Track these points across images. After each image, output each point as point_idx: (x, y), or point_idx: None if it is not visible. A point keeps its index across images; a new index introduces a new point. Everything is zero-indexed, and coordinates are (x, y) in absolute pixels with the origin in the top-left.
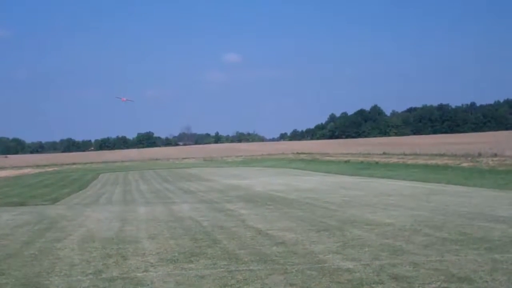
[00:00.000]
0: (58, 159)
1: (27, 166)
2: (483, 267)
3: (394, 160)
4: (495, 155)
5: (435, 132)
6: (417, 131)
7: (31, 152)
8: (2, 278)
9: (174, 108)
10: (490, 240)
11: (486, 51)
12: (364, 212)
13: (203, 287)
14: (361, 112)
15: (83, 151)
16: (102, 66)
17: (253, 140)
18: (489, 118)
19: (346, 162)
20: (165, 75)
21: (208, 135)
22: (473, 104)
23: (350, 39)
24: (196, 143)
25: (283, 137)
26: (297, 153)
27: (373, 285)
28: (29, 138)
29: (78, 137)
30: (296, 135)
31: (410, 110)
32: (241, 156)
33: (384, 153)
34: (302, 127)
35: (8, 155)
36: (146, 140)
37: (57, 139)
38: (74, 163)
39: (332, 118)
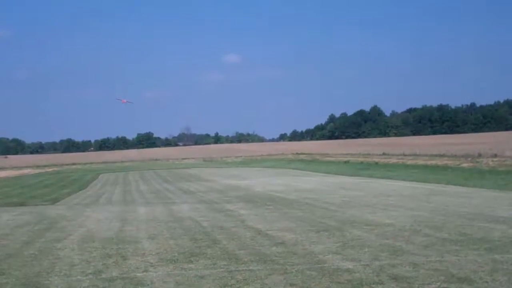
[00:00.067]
0: (58, 159)
1: (27, 167)
2: (483, 267)
3: (393, 160)
4: (495, 155)
5: (435, 132)
6: (417, 132)
7: (31, 153)
8: (2, 278)
9: (173, 108)
10: (490, 241)
11: (486, 51)
12: (363, 212)
13: (202, 287)
14: (360, 112)
15: (83, 151)
16: (102, 66)
17: (252, 141)
18: (489, 119)
19: (346, 162)
20: (164, 76)
21: (207, 135)
22: (473, 104)
23: (350, 40)
24: (196, 143)
25: (282, 137)
26: (297, 153)
27: (373, 286)
28: (29, 138)
29: (78, 138)
30: (296, 136)
31: (410, 110)
32: (241, 156)
33: (383, 154)
34: (301, 128)
35: (8, 156)
36: (146, 141)
37: (57, 140)
38: (74, 164)
39: (332, 118)
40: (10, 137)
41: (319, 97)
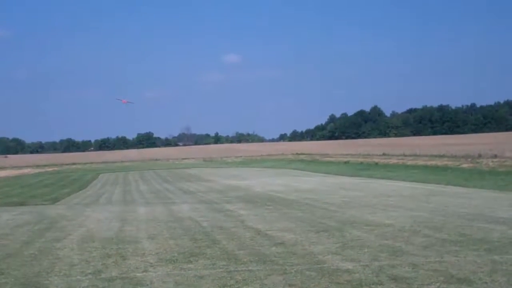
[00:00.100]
0: (58, 159)
1: (27, 166)
2: (483, 268)
3: (394, 161)
4: (495, 156)
5: (435, 133)
6: (417, 132)
7: (31, 152)
8: (1, 277)
9: (174, 108)
10: (489, 241)
11: (486, 51)
12: (363, 213)
13: (202, 287)
14: (361, 113)
15: (83, 151)
16: (102, 66)
17: (252, 141)
18: (489, 119)
19: (346, 163)
20: (164, 76)
21: (207, 135)
22: (473, 105)
23: (350, 40)
24: (196, 143)
25: (282, 137)
26: (297, 153)
27: (372, 286)
28: (29, 138)
29: (78, 137)
30: (296, 136)
31: (410, 111)
32: (241, 156)
33: (384, 154)
34: (302, 128)
35: (8, 155)
36: (146, 141)
37: (57, 139)
38: (74, 163)
39: (332, 118)
40: (10, 137)
41: (319, 97)
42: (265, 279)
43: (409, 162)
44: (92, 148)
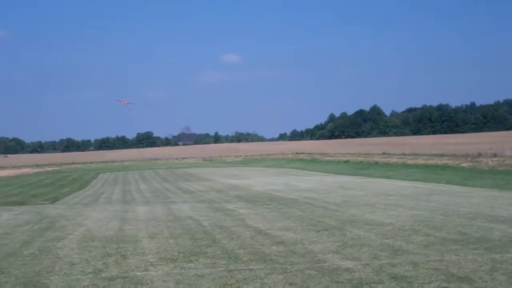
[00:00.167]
0: (57, 158)
1: (26, 166)
2: (483, 267)
3: (393, 160)
4: (495, 155)
5: (434, 132)
6: (416, 131)
7: (31, 152)
8: (2, 277)
9: (173, 108)
10: (489, 240)
11: (486, 51)
12: (363, 212)
13: (202, 287)
14: (360, 112)
15: (83, 150)
16: (102, 66)
17: (252, 140)
18: (488, 118)
19: (346, 162)
20: (164, 75)
21: (207, 135)
22: (472, 104)
23: (349, 39)
24: (196, 143)
25: (282, 137)
26: (297, 153)
27: (373, 285)
28: (28, 138)
29: (78, 137)
30: (296, 135)
31: (409, 110)
32: (241, 156)
33: (383, 153)
34: (301, 127)
35: (8, 155)
36: (146, 140)
37: (57, 139)
38: (73, 163)
39: (332, 118)
40: (10, 137)
41: (318, 97)
42: (266, 278)
43: (409, 161)
44: (91, 148)
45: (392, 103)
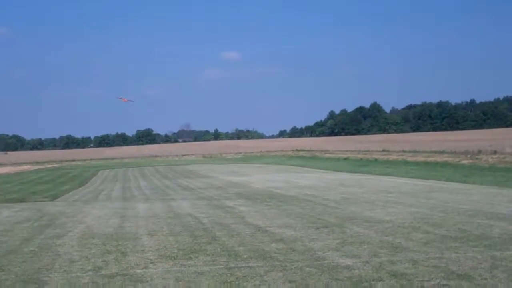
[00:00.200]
0: (57, 156)
1: (26, 163)
2: (483, 264)
3: (393, 157)
4: (495, 152)
5: (434, 129)
6: (416, 128)
7: (31, 149)
8: (1, 274)
9: (173, 105)
10: (489, 237)
11: (486, 48)
12: (363, 209)
13: (202, 284)
14: (360, 109)
15: (83, 148)
16: (102, 63)
17: (252, 137)
18: (488, 115)
19: (346, 159)
20: (164, 72)
21: (207, 132)
22: (472, 101)
23: (349, 36)
24: (196, 140)
25: (282, 134)
26: (296, 150)
27: (372, 282)
28: (28, 135)
29: (78, 134)
30: (296, 132)
31: (409, 107)
32: (240, 153)
33: (383, 150)
34: (301, 124)
35: (8, 152)
36: (146, 137)
37: (57, 136)
38: (73, 160)
39: (332, 115)
40: (10, 134)
41: (318, 94)
42: (265, 276)
43: (409, 158)
44: (91, 145)
45: (392, 100)
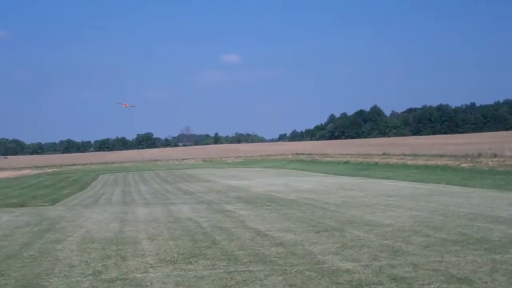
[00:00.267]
0: (57, 160)
1: (26, 167)
2: (483, 267)
3: (393, 160)
4: (495, 155)
5: (434, 132)
6: (416, 132)
7: (31, 153)
8: (1, 279)
9: (173, 109)
10: (489, 241)
11: (486, 51)
12: (363, 212)
13: None
14: (360, 112)
15: (83, 152)
16: (102, 67)
17: (252, 141)
18: (489, 119)
19: (346, 162)
20: (164, 76)
21: (207, 136)
22: (472, 104)
23: (349, 39)
24: (196, 144)
25: (282, 137)
26: (297, 153)
27: (372, 286)
28: (28, 139)
29: (78, 138)
30: (296, 136)
31: (409, 110)
32: (241, 157)
33: (383, 154)
34: (301, 128)
35: (8, 156)
36: (146, 141)
37: (57, 140)
38: (73, 164)
39: (332, 118)
40: (10, 138)
41: (319, 97)
42: (265, 280)
43: (409, 162)
44: (91, 149)
45: (392, 104)
